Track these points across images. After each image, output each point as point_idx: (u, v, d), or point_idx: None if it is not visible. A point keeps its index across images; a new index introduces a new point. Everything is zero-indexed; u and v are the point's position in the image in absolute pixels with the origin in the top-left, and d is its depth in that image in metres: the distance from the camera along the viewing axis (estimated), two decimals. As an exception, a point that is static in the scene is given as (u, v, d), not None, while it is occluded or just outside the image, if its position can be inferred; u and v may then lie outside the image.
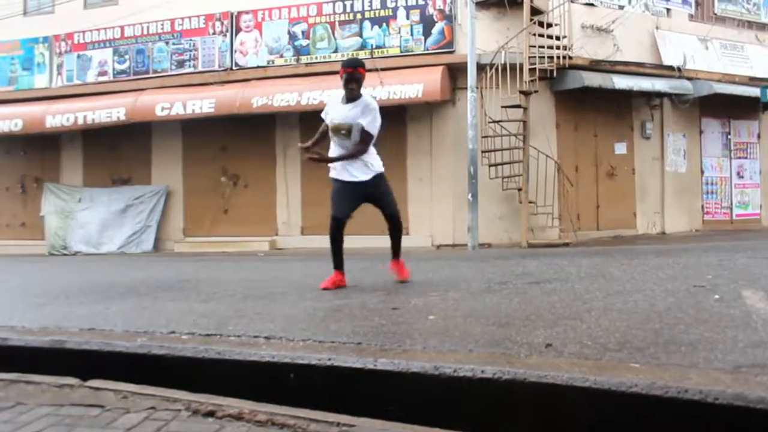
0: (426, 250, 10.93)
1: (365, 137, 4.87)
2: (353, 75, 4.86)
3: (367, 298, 4.32)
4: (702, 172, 13.57)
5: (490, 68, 10.72)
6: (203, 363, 2.73)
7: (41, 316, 3.94)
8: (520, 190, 10.87)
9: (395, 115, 10.60)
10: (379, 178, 5.01)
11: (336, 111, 4.97)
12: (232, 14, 12.69)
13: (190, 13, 12.85)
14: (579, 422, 2.07)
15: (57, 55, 13.85)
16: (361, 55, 11.58)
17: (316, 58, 12.22)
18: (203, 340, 3.01)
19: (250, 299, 4.52)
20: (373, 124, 4.87)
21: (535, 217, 10.99)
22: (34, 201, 14.14)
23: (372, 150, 5.00)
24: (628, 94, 12.11)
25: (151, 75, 13.17)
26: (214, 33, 12.79)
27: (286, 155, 12.64)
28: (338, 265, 5.01)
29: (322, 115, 5.14)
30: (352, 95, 4.91)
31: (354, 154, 4.90)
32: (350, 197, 4.97)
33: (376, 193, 5.03)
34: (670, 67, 12.31)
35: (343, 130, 4.88)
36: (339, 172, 4.98)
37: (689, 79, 12.40)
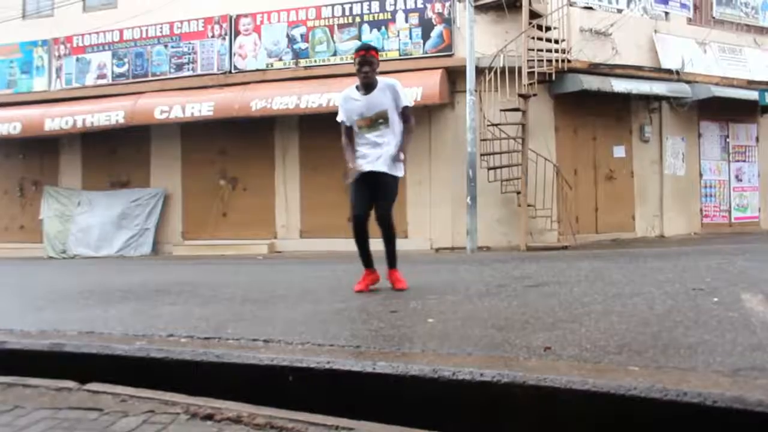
0: (425, 254, 10.92)
1: (411, 115, 4.83)
2: (365, 57, 4.61)
3: (366, 301, 4.32)
4: (701, 175, 13.58)
5: (489, 71, 10.74)
6: (202, 366, 2.72)
7: (40, 320, 3.93)
8: (518, 193, 10.88)
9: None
10: (395, 178, 4.78)
11: (360, 104, 4.67)
12: (231, 17, 12.71)
13: (189, 16, 12.87)
14: (578, 425, 2.07)
15: (56, 58, 13.86)
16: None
17: (315, 61, 12.24)
18: (202, 343, 3.01)
19: (248, 302, 4.52)
20: (410, 100, 4.80)
21: (534, 220, 11.00)
22: (33, 204, 14.14)
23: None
24: (626, 98, 12.13)
25: (150, 78, 13.18)
26: (213, 36, 12.81)
27: (285, 158, 12.65)
28: (367, 263, 4.84)
29: (340, 118, 4.82)
30: (366, 80, 4.65)
31: (411, 132, 4.83)
32: (365, 188, 4.71)
33: (382, 186, 4.71)
34: (669, 71, 12.34)
35: (381, 119, 4.66)
36: (372, 163, 4.69)
37: (688, 82, 12.42)
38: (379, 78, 4.77)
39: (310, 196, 12.09)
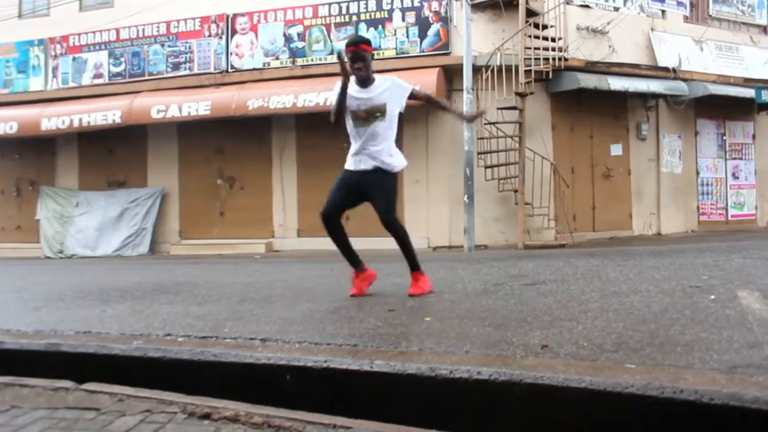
0: (422, 252, 10.89)
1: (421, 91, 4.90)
2: (357, 53, 4.33)
3: (364, 300, 4.32)
4: (697, 173, 13.61)
5: (486, 70, 10.74)
6: (199, 365, 2.72)
7: (36, 320, 3.93)
8: (516, 191, 10.89)
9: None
10: (388, 175, 4.62)
11: (356, 99, 4.41)
12: (227, 16, 12.69)
13: (185, 15, 12.85)
14: (575, 423, 2.07)
15: (52, 58, 13.82)
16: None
17: (312, 60, 12.23)
18: (199, 342, 3.01)
19: (246, 301, 4.51)
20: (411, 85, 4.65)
21: (532, 218, 11.01)
22: (30, 204, 14.11)
23: (393, 145, 4.70)
24: (623, 96, 12.15)
25: (146, 77, 13.15)
26: (209, 35, 12.79)
27: (283, 157, 12.65)
28: (354, 263, 4.60)
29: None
30: (360, 77, 4.38)
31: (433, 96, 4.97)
32: (345, 189, 4.58)
33: (373, 189, 4.55)
34: (666, 69, 12.36)
35: (378, 113, 4.43)
36: (355, 161, 4.61)
37: (684, 80, 12.45)
38: (376, 76, 4.54)
39: (308, 195, 12.07)
